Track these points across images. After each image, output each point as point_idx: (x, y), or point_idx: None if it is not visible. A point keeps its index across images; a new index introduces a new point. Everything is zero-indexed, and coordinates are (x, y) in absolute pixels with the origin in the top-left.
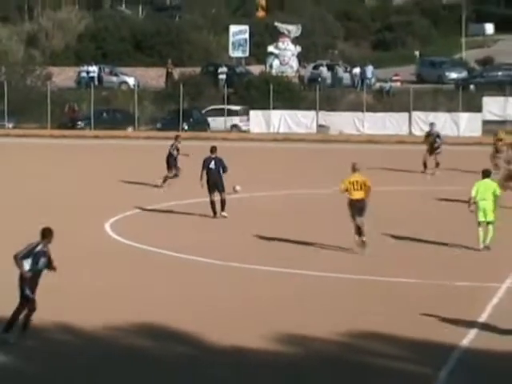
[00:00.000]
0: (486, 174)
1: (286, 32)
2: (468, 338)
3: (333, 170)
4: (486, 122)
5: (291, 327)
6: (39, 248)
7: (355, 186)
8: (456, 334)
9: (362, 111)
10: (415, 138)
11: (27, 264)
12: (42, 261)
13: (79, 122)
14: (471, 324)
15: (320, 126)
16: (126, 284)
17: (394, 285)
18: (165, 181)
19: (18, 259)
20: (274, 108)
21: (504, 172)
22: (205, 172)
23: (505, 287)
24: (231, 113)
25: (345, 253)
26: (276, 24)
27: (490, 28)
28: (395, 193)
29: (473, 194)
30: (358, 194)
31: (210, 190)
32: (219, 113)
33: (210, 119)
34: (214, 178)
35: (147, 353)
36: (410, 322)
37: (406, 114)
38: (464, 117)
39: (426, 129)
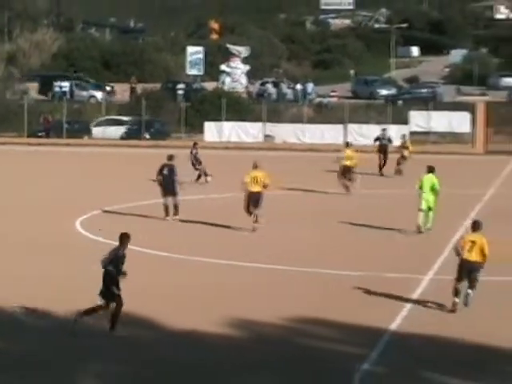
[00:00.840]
0: (429, 169)
1: (236, 53)
2: (396, 323)
3: (277, 174)
4: (412, 133)
5: (240, 313)
6: (121, 252)
7: (254, 181)
8: (385, 319)
9: (303, 123)
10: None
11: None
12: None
13: (41, 133)
14: (399, 310)
15: (266, 136)
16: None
17: (330, 275)
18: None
19: (106, 264)
20: (225, 120)
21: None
22: (160, 177)
23: (428, 278)
24: (122, 123)
25: (285, 247)
26: (228, 46)
27: (415, 51)
28: (337, 194)
29: (417, 186)
30: (255, 188)
31: (164, 194)
32: (111, 123)
33: (100, 129)
34: (167, 184)
35: (111, 335)
36: (345, 309)
37: (341, 126)
38: (393, 128)
39: (360, 138)
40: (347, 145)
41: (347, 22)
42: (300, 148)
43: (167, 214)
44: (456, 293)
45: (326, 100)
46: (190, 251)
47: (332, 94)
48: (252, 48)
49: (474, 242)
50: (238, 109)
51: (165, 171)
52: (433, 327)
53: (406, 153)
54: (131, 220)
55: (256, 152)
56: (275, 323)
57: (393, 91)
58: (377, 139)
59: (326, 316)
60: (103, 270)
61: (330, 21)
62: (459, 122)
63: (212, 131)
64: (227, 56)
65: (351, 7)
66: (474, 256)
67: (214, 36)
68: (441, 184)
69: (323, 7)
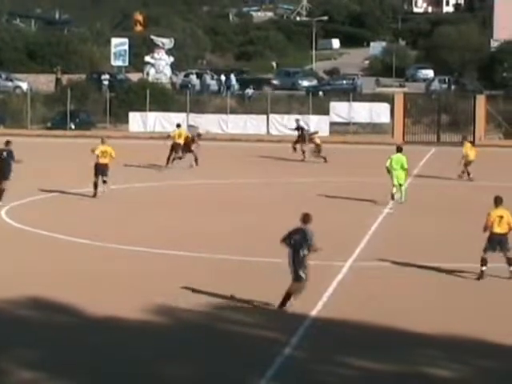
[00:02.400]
0: (398, 149)
1: (160, 44)
2: (316, 309)
3: (201, 163)
4: (332, 124)
5: (159, 299)
6: (310, 233)
7: (103, 155)
8: (306, 306)
9: (226, 113)
10: (272, 137)
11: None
12: (295, 238)
13: None
14: (319, 296)
15: (190, 126)
16: (12, 260)
17: (249, 262)
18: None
19: (299, 247)
20: (150, 110)
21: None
22: None
23: (348, 265)
24: None
25: (198, 234)
26: (152, 37)
27: (336, 43)
28: (260, 184)
29: (387, 164)
30: (104, 160)
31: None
32: None
33: None
34: (3, 167)
35: (33, 321)
36: (266, 296)
37: (264, 117)
38: (314, 119)
39: (282, 128)
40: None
41: (270, 14)
42: (223, 138)
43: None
44: (483, 263)
45: (248, 91)
46: (106, 239)
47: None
48: (176, 40)
49: (501, 217)
50: (162, 99)
51: (3, 155)
52: (352, 313)
53: (317, 140)
54: (54, 208)
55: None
56: (195, 309)
57: (314, 83)
58: (297, 128)
59: (246, 302)
60: (294, 252)
61: (253, 13)
62: (379, 112)
63: (137, 121)
64: (152, 47)
65: (274, 0)
66: (502, 228)
67: (139, 28)
68: (408, 162)
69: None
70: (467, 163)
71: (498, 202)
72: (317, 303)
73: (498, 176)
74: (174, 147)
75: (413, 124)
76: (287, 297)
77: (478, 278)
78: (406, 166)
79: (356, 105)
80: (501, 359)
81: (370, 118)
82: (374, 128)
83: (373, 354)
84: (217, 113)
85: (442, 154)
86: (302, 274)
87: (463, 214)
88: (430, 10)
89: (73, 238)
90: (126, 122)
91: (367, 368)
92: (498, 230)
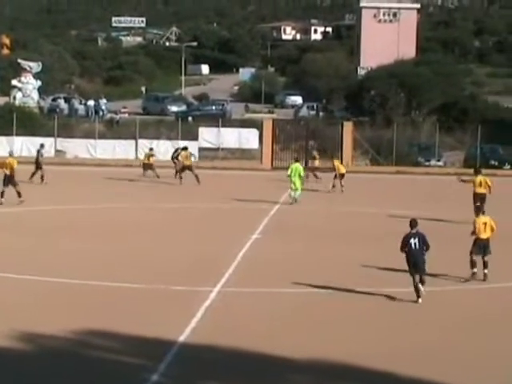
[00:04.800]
0: (296, 160)
1: (28, 68)
2: (184, 335)
3: (70, 188)
4: (202, 149)
5: (23, 326)
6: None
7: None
8: (174, 331)
9: (95, 138)
10: (140, 162)
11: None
12: (415, 242)
13: None
14: (187, 322)
15: (57, 151)
16: None
17: (115, 288)
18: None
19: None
20: (16, 134)
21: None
22: None
23: (216, 291)
24: None
25: (61, 259)
26: (19, 61)
27: (205, 68)
28: (129, 208)
29: (288, 172)
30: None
31: None
32: None
33: None
34: None
35: None
36: (134, 322)
37: (133, 141)
38: (183, 144)
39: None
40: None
41: (139, 39)
42: (91, 163)
43: None
44: (473, 265)
45: (117, 116)
46: None
47: (123, 110)
48: (44, 63)
49: (485, 224)
50: (29, 124)
51: None
52: (221, 338)
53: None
54: None
55: (47, 166)
56: (61, 336)
57: (183, 108)
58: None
59: (112, 328)
60: (414, 255)
61: (122, 38)
62: (248, 138)
63: (3, 145)
64: (19, 71)
65: (143, 25)
66: (487, 234)
67: (5, 51)
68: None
69: (115, 24)
70: (340, 176)
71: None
72: (185, 329)
73: (365, 201)
74: (185, 168)
75: (281, 150)
76: (417, 289)
77: (467, 280)
78: (302, 173)
79: (225, 130)
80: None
81: (238, 144)
82: (242, 154)
83: (243, 380)
84: (85, 137)
85: (310, 179)
86: (425, 268)
87: (328, 238)
88: (298, 37)
89: None
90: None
91: None
92: (483, 235)
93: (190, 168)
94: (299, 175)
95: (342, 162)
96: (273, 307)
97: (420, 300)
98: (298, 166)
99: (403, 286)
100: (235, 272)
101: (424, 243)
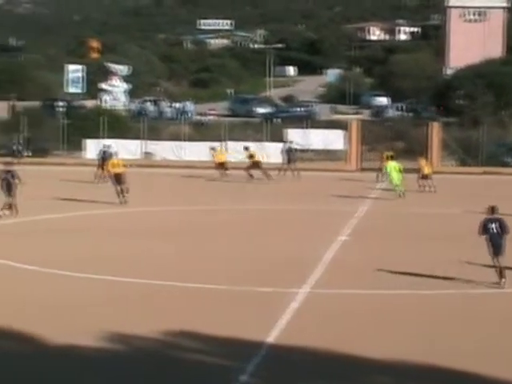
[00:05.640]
0: (391, 157)
1: (116, 71)
2: (273, 336)
3: (159, 190)
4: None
5: (113, 326)
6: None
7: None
8: (262, 333)
9: (183, 140)
10: (229, 164)
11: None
12: (494, 227)
13: None
14: (275, 323)
15: (146, 153)
16: None
17: (203, 290)
18: None
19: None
20: (105, 137)
21: None
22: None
23: (303, 292)
24: None
25: (151, 261)
26: (108, 64)
27: (291, 70)
28: (214, 210)
29: (388, 169)
30: (118, 170)
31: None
32: None
33: None
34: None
35: None
36: (221, 323)
37: (220, 143)
38: (270, 146)
39: (238, 155)
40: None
41: (226, 41)
42: (179, 165)
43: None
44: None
45: (204, 118)
46: (58, 266)
47: (210, 112)
48: (132, 67)
49: None
50: (117, 126)
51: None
52: (309, 340)
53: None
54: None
55: (135, 169)
56: (150, 337)
57: (270, 109)
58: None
59: (200, 329)
60: (494, 239)
61: (209, 41)
62: (334, 139)
63: (92, 148)
64: (107, 74)
65: (229, 27)
66: None
67: (94, 55)
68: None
69: (202, 27)
70: (424, 176)
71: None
72: (272, 330)
73: (454, 202)
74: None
75: (368, 151)
76: (500, 271)
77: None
78: (399, 169)
79: (311, 132)
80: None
81: (324, 145)
82: (328, 155)
83: (330, 382)
84: (172, 140)
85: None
86: (505, 251)
87: (418, 239)
88: (384, 37)
89: (23, 264)
90: (81, 149)
91: None
92: None
93: (258, 165)
94: (399, 170)
95: (428, 163)
96: (360, 309)
97: (503, 280)
98: (394, 164)
99: (487, 286)
100: (322, 273)
101: (504, 227)
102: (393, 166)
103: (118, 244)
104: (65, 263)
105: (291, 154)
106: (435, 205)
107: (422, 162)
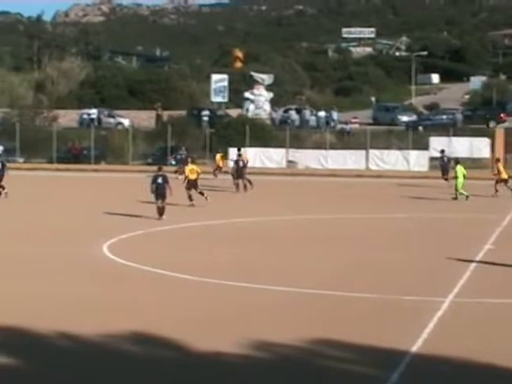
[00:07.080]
0: (457, 162)
1: (260, 80)
2: (417, 345)
3: (299, 198)
4: (432, 159)
5: (258, 334)
6: None
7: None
8: (406, 342)
9: (326, 149)
10: (371, 172)
11: None
12: None
13: (85, 151)
14: (419, 333)
15: (289, 162)
16: (119, 297)
17: (344, 298)
18: None
19: None
20: (249, 146)
21: None
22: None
23: (449, 301)
24: None
25: (292, 269)
26: (252, 73)
27: (435, 78)
28: (359, 219)
29: (457, 173)
30: (193, 176)
31: (157, 197)
32: None
33: None
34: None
35: (135, 357)
36: (366, 331)
37: (363, 152)
38: (413, 154)
39: (381, 164)
40: None
41: (368, 50)
42: (322, 173)
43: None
44: None
45: (347, 126)
46: (204, 273)
47: (353, 120)
48: (275, 76)
49: None
50: (261, 135)
51: (159, 180)
52: (453, 350)
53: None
54: (156, 243)
55: (279, 177)
56: (292, 345)
57: (413, 118)
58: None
59: (343, 337)
60: None
61: (352, 49)
62: (479, 147)
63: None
64: (251, 83)
65: (372, 36)
66: None
67: (238, 64)
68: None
69: (345, 35)
70: (499, 181)
71: None
72: (417, 339)
73: None
74: None
75: None
76: None
77: None
78: (465, 174)
79: (455, 139)
80: None
81: (469, 153)
82: (473, 163)
83: None
84: (316, 148)
85: None
86: None
87: None
88: None
89: (176, 273)
90: (225, 158)
91: None
92: None
93: None
94: (463, 176)
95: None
96: (508, 318)
97: None
98: (462, 168)
99: None
100: (468, 282)
101: None
102: (461, 170)
103: (281, 251)
104: (220, 271)
105: (445, 165)
106: None
107: (500, 166)
